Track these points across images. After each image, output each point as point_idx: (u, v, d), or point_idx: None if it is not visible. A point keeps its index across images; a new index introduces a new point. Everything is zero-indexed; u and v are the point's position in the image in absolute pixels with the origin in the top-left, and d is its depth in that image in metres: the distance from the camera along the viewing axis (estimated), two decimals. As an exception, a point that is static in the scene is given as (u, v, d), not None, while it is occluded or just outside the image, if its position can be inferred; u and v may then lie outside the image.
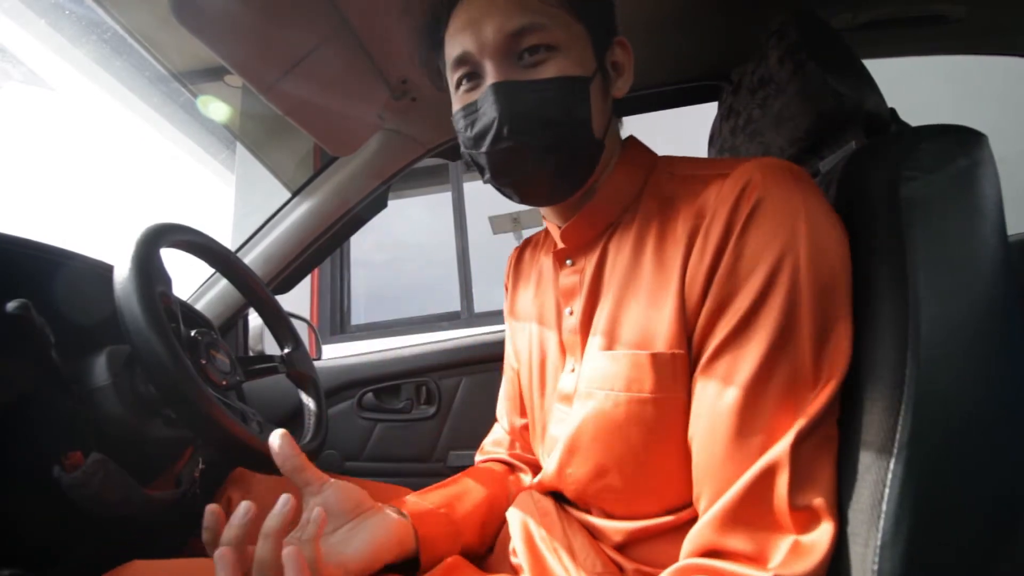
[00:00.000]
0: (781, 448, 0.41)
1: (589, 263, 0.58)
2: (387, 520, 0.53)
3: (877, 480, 0.40)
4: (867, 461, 0.41)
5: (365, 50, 0.80)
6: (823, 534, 0.40)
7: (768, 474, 0.41)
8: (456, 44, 0.53)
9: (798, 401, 0.42)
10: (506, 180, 0.54)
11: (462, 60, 0.52)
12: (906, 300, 0.41)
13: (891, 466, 0.39)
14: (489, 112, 0.50)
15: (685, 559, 0.45)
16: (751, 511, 0.41)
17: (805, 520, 0.41)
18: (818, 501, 0.41)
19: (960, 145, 0.45)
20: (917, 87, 1.83)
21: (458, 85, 0.55)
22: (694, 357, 0.48)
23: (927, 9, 0.83)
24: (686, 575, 0.43)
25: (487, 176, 0.55)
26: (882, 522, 0.39)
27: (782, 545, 0.40)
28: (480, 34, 0.50)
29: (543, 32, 0.50)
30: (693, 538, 0.45)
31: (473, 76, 0.53)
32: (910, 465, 0.39)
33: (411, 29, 0.59)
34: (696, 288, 0.47)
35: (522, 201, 0.57)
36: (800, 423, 0.41)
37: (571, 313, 0.59)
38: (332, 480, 0.51)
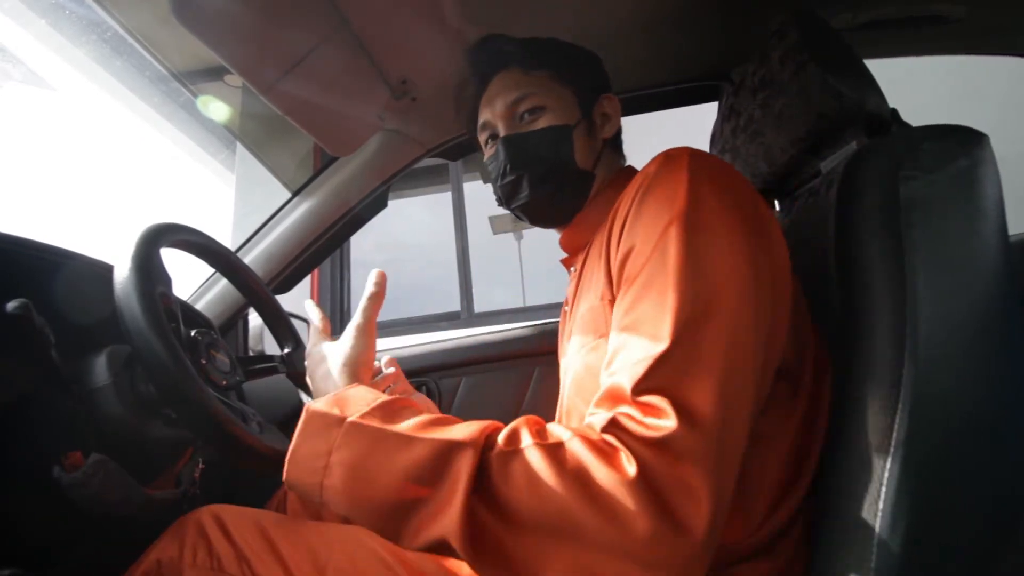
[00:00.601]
0: (641, 363, 0.42)
1: (579, 266, 0.70)
2: None
3: (874, 479, 0.40)
4: (864, 460, 0.41)
5: (365, 50, 0.80)
6: (662, 424, 0.39)
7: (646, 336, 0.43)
8: (482, 116, 0.74)
9: (660, 331, 0.42)
10: (515, 205, 0.71)
11: (484, 126, 0.74)
12: (905, 300, 0.41)
13: (888, 465, 0.39)
14: (500, 157, 0.69)
15: None
16: (606, 396, 0.44)
17: (646, 408, 0.40)
18: (661, 402, 0.40)
19: (961, 145, 0.45)
20: (919, 87, 1.83)
21: (485, 144, 0.75)
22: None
23: (927, 9, 0.83)
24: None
25: (506, 205, 0.72)
26: (879, 520, 0.39)
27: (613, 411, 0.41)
28: (493, 107, 0.71)
29: (534, 98, 0.69)
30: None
31: (493, 136, 0.73)
32: (907, 465, 0.39)
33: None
34: (613, 256, 0.55)
35: (532, 224, 0.73)
36: (663, 346, 0.41)
37: (568, 310, 0.72)
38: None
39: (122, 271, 0.58)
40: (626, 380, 0.42)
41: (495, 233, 3.13)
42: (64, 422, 0.61)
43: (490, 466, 0.41)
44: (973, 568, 0.40)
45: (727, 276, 0.44)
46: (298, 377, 0.84)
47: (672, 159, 0.52)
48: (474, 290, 2.94)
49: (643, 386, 0.41)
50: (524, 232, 3.17)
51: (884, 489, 0.39)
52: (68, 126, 3.75)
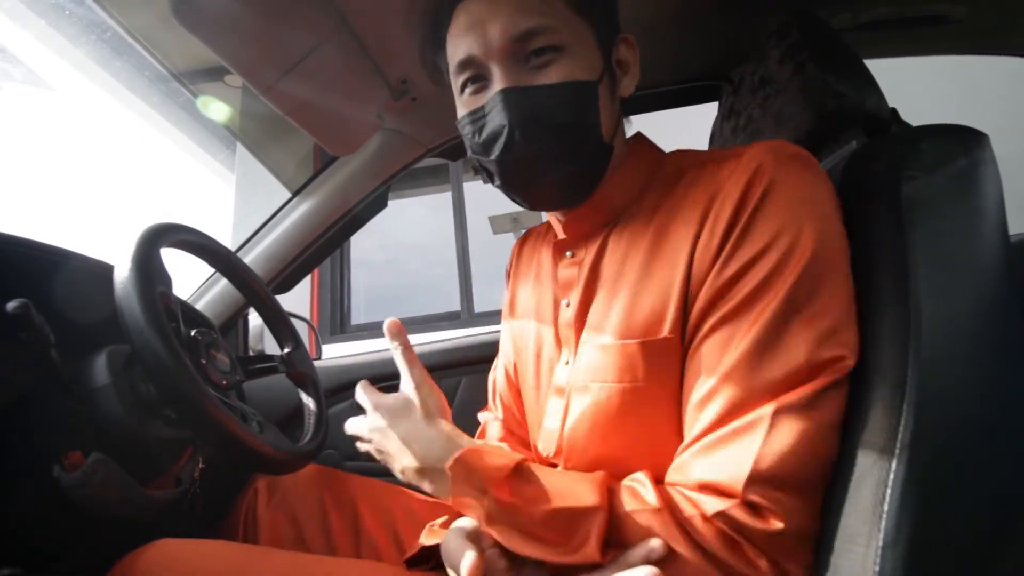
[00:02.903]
0: (764, 411, 0.41)
1: (588, 255, 0.58)
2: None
3: (879, 481, 0.40)
4: (868, 462, 0.41)
5: (365, 50, 0.80)
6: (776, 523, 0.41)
7: (746, 429, 0.42)
8: (460, 46, 0.52)
9: (786, 378, 0.42)
10: (518, 188, 0.55)
11: (466, 63, 0.52)
12: (907, 300, 0.41)
13: (893, 467, 0.39)
14: (497, 118, 0.50)
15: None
16: (724, 457, 0.43)
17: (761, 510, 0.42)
18: (781, 474, 0.41)
19: (961, 145, 0.45)
20: (918, 87, 1.83)
21: (462, 88, 0.54)
22: (689, 336, 0.48)
23: (927, 9, 0.83)
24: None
25: (497, 183, 0.55)
26: (883, 523, 0.39)
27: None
28: (485, 36, 0.50)
29: (550, 33, 0.49)
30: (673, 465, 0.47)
31: (478, 79, 0.52)
32: (912, 466, 0.39)
33: (411, 28, 0.58)
34: (704, 265, 0.47)
35: (532, 207, 0.57)
36: (784, 398, 0.41)
37: (568, 305, 0.59)
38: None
39: (122, 271, 0.58)
40: (750, 438, 0.42)
41: (495, 233, 3.12)
42: (64, 422, 0.61)
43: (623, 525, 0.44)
44: (975, 570, 0.40)
45: (848, 321, 0.43)
46: (298, 377, 0.84)
47: (785, 170, 0.46)
48: (474, 290, 2.94)
49: (767, 456, 0.41)
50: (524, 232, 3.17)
51: (889, 491, 0.39)
52: (68, 126, 3.75)
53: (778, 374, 0.42)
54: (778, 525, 0.40)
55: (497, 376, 0.80)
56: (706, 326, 0.46)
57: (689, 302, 0.48)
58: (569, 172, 0.52)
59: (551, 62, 0.50)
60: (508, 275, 0.77)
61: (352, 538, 0.76)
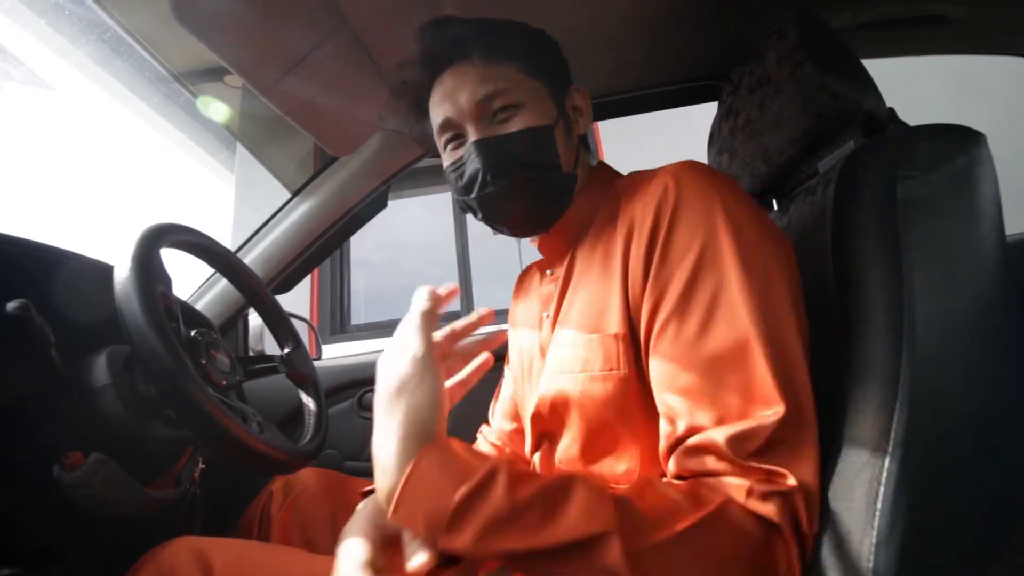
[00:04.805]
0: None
1: (562, 270, 0.66)
2: None
3: (872, 479, 0.40)
4: (862, 459, 0.41)
5: (365, 50, 0.80)
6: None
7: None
8: (439, 112, 0.64)
9: (743, 362, 0.45)
10: (497, 219, 0.64)
11: (446, 125, 0.63)
12: (902, 299, 0.42)
13: (886, 464, 0.39)
14: (473, 163, 0.61)
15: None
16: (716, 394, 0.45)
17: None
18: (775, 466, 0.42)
19: (958, 145, 0.45)
20: (919, 87, 1.83)
21: (445, 145, 0.65)
22: (643, 337, 0.53)
23: (927, 9, 0.83)
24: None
25: (480, 217, 0.65)
26: (877, 520, 0.39)
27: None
28: (457, 103, 0.61)
29: (506, 95, 0.61)
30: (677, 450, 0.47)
31: (457, 136, 0.64)
32: (905, 464, 0.39)
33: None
34: (637, 278, 0.53)
35: (515, 235, 0.67)
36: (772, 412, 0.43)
37: (547, 316, 0.67)
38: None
39: (122, 271, 0.58)
40: (722, 439, 0.42)
41: (495, 233, 3.13)
42: (64, 422, 0.61)
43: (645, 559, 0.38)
44: (968, 567, 0.40)
45: (786, 313, 0.46)
46: (298, 377, 0.84)
47: (691, 181, 0.52)
48: (474, 290, 2.94)
49: (749, 449, 0.42)
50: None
51: (882, 489, 0.39)
52: (68, 126, 3.75)
53: (713, 347, 0.46)
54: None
55: (502, 391, 0.89)
56: (656, 327, 0.51)
57: (631, 304, 0.54)
58: (537, 200, 0.62)
59: (511, 116, 0.61)
60: (512, 300, 0.83)
61: None
